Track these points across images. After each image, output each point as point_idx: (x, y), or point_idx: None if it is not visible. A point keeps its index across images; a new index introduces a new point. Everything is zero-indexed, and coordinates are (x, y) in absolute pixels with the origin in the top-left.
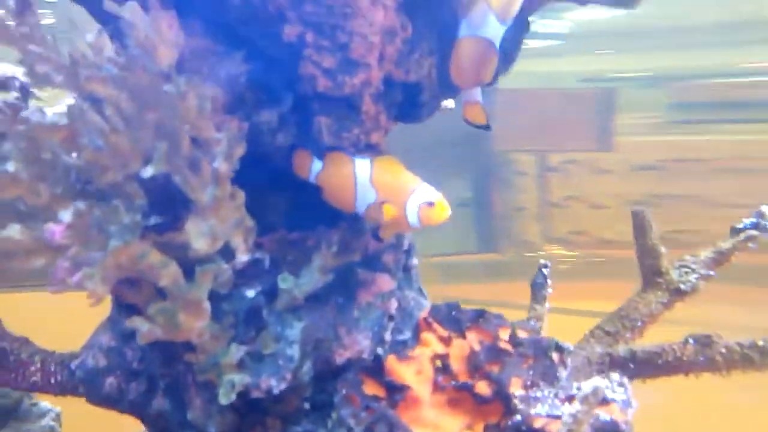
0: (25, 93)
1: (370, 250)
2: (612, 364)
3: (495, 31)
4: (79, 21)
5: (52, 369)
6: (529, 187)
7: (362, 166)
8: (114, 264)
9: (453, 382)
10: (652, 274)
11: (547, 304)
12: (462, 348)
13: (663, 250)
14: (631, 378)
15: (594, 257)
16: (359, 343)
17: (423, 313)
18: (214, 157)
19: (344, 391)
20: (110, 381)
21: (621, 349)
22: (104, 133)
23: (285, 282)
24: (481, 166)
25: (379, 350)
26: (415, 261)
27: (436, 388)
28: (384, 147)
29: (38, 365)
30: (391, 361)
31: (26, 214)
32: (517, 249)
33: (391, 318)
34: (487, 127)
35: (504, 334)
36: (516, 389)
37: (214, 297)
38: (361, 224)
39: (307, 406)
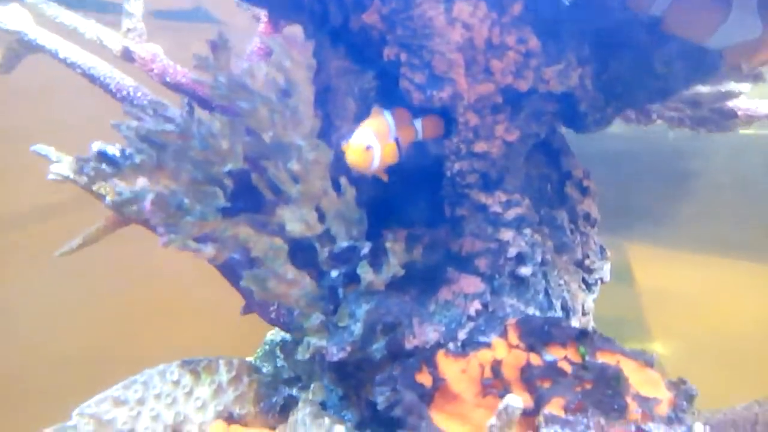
0: (190, 107)
1: (464, 252)
2: None
3: None
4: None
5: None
6: None
7: None
8: (194, 234)
9: (499, 389)
10: None
11: None
12: (518, 359)
13: None
14: None
15: None
16: (426, 335)
17: (510, 320)
18: (290, 158)
19: (389, 373)
20: None
21: None
22: (206, 137)
23: (361, 269)
24: None
25: (451, 345)
26: (527, 270)
27: (483, 389)
28: (499, 155)
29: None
30: (440, 356)
31: None
32: None
33: (470, 318)
34: None
35: (602, 357)
36: (553, 408)
37: (318, 273)
38: (461, 227)
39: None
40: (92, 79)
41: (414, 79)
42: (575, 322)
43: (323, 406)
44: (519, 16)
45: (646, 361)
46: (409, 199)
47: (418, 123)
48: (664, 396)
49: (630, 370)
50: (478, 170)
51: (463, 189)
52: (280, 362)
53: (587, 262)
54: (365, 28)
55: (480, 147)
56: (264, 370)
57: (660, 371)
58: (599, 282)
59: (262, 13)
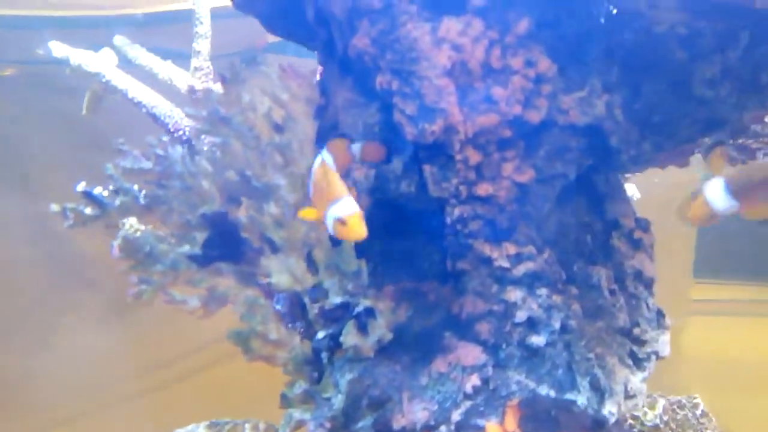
0: (191, 145)
1: (464, 314)
2: None
3: None
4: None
5: None
6: None
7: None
8: (167, 284)
9: None
10: None
11: None
12: None
13: None
14: None
15: None
16: (414, 414)
17: (513, 401)
18: (269, 201)
19: None
20: None
21: None
22: (186, 177)
23: (345, 331)
24: None
25: (443, 429)
26: (538, 339)
27: None
28: (508, 199)
29: None
30: None
31: None
32: None
33: (467, 396)
34: None
35: None
36: None
37: (312, 334)
38: (463, 284)
39: None
40: (154, 118)
41: (405, 110)
42: (612, 407)
43: None
44: (526, 35)
45: None
46: (423, 250)
47: (357, 147)
48: None
49: None
50: (482, 216)
51: (466, 239)
52: None
53: (636, 331)
54: (360, 55)
55: (483, 189)
56: None
57: None
58: (653, 357)
59: None
